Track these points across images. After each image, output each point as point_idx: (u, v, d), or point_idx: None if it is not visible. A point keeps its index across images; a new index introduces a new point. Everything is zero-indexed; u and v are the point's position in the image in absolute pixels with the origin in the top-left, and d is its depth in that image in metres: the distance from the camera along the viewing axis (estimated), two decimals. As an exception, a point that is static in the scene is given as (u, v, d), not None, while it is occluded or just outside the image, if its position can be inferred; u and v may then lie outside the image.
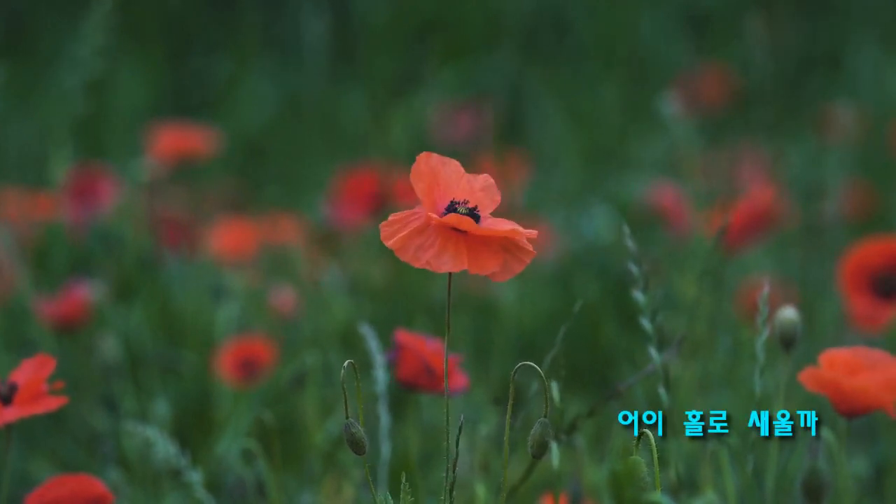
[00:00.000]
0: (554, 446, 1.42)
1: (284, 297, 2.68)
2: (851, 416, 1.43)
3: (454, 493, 1.29)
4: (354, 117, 4.50)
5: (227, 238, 3.09)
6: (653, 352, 1.49)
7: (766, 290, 1.49)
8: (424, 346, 1.57)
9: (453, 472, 1.28)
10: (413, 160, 1.27)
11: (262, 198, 4.01)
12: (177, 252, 3.07)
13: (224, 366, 2.23)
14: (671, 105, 2.77)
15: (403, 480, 1.27)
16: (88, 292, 2.41)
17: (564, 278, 2.87)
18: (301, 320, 2.65)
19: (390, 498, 1.26)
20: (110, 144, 4.32)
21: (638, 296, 1.48)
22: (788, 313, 1.52)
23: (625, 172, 3.85)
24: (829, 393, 1.43)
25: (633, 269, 1.49)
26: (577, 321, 1.47)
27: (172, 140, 3.07)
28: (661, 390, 1.48)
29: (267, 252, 3.12)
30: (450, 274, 1.26)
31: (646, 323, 1.48)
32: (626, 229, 1.49)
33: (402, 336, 1.58)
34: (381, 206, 2.89)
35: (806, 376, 1.43)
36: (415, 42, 4.82)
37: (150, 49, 4.95)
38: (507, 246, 1.26)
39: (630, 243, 1.49)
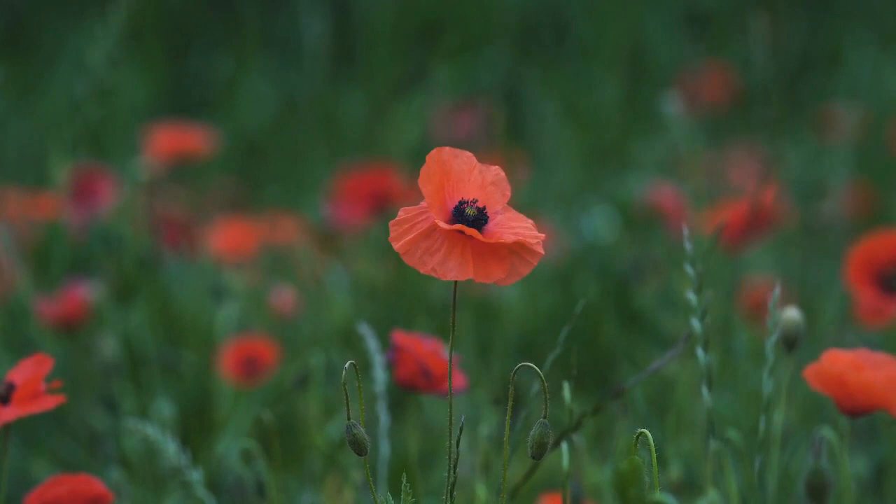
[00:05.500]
0: (564, 446, 1.42)
1: (284, 297, 2.68)
2: (854, 415, 1.43)
3: (454, 493, 1.28)
4: (354, 117, 4.50)
5: (227, 238, 3.09)
6: (700, 352, 1.48)
7: (776, 292, 1.48)
8: (421, 347, 1.57)
9: (454, 471, 1.28)
10: (413, 160, 1.26)
11: (262, 198, 4.01)
12: (177, 252, 3.07)
13: (225, 365, 2.23)
14: (672, 104, 2.77)
15: (404, 481, 1.27)
16: (88, 292, 2.41)
17: (564, 278, 2.87)
18: (301, 320, 2.65)
19: (391, 498, 1.26)
20: (110, 144, 4.32)
21: (690, 297, 1.48)
22: (792, 314, 1.51)
23: (625, 172, 3.85)
24: (832, 390, 1.42)
25: (689, 270, 1.48)
26: (577, 321, 1.46)
27: (169, 139, 3.07)
28: (704, 390, 1.47)
29: (267, 252, 3.12)
30: (455, 281, 1.25)
31: (696, 324, 1.48)
32: (686, 232, 1.49)
33: (400, 337, 1.57)
34: (381, 206, 2.89)
35: (810, 372, 1.43)
36: (415, 42, 4.81)
37: (150, 49, 4.95)
38: (514, 248, 1.25)
39: (688, 246, 1.48)
